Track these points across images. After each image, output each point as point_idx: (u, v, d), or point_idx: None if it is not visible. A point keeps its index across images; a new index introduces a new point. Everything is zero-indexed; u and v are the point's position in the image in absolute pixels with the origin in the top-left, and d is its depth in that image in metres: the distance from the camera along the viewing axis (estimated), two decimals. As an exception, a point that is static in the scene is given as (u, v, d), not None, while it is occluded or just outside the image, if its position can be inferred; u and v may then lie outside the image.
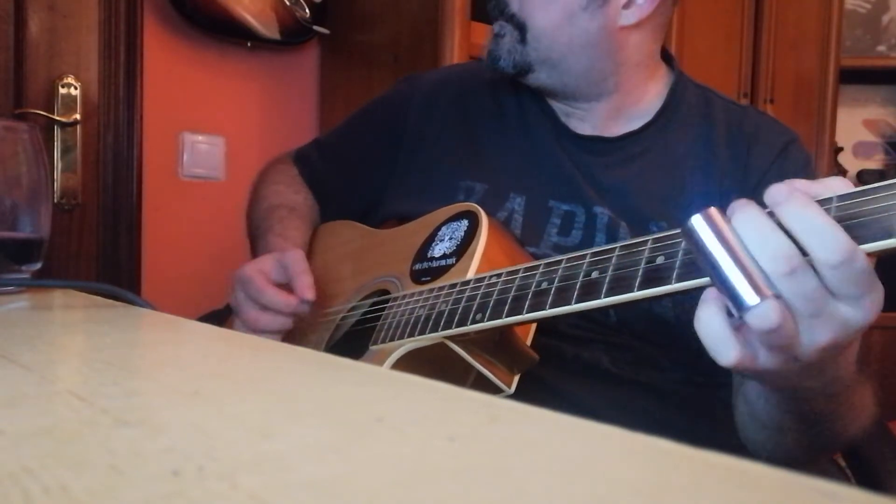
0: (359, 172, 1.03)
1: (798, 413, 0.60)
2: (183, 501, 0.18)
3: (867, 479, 0.86)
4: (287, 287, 0.81)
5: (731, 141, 0.85)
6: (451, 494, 0.19)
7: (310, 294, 0.79)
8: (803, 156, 0.86)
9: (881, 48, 2.30)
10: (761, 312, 0.44)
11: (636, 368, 0.79)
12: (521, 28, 0.83)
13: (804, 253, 0.44)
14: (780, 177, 0.77)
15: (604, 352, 0.78)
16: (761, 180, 0.81)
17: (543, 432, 0.24)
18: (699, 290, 0.77)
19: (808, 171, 0.84)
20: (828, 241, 0.43)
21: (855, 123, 2.37)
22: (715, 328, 0.46)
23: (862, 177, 2.29)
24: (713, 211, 0.46)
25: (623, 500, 0.18)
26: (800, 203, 0.45)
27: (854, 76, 2.21)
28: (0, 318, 0.55)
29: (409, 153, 0.96)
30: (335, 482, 0.19)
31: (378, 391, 0.31)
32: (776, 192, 0.46)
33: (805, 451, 0.67)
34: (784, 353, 0.47)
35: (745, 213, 0.46)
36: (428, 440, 0.23)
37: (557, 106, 0.90)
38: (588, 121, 0.89)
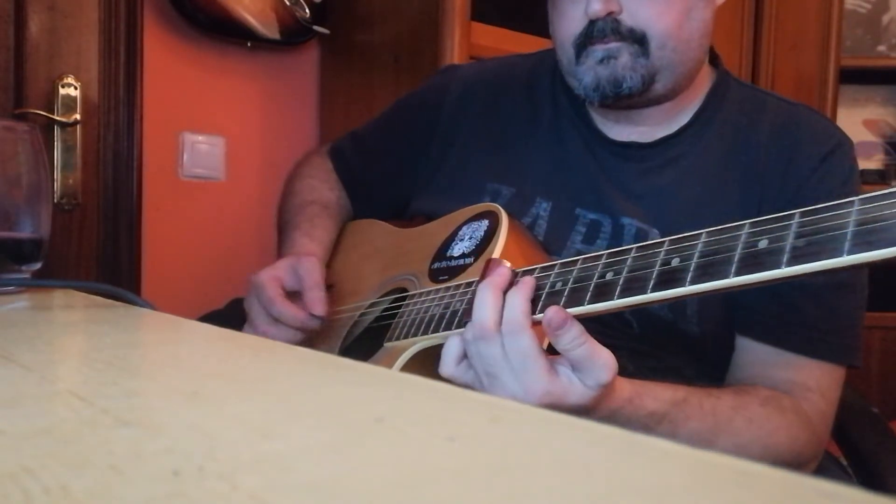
0: (390, 167, 1.01)
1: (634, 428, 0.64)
2: (183, 501, 0.18)
3: (867, 479, 0.86)
4: (300, 295, 0.81)
5: (774, 145, 0.81)
6: (451, 494, 0.19)
7: (320, 309, 0.79)
8: (846, 165, 0.81)
9: (881, 48, 2.30)
10: (448, 344, 0.63)
11: (660, 377, 0.78)
12: (640, 41, 0.77)
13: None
14: (819, 187, 0.77)
15: (628, 359, 0.78)
16: (800, 189, 0.77)
17: (543, 432, 0.24)
18: (723, 306, 0.77)
19: (849, 183, 0.80)
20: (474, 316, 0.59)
21: (855, 123, 2.37)
22: (450, 346, 0.63)
23: (862, 176, 2.28)
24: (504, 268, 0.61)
25: (623, 500, 0.18)
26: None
27: (854, 76, 2.21)
28: (0, 318, 0.55)
29: (440, 149, 0.95)
30: (335, 482, 0.19)
31: (378, 391, 0.31)
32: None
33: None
34: (478, 386, 0.61)
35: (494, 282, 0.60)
36: (428, 440, 0.23)
37: (600, 111, 0.86)
38: (638, 125, 0.85)
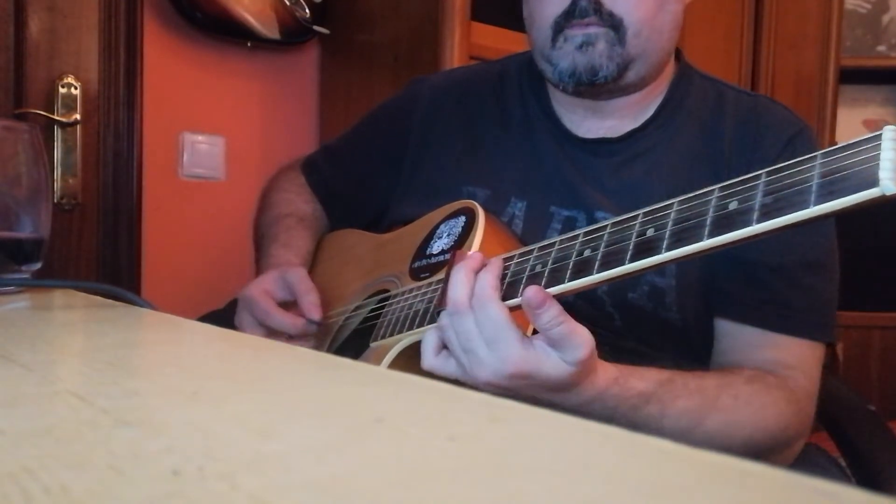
0: (365, 178, 1.02)
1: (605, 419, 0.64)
2: (183, 501, 0.18)
3: (867, 479, 0.86)
4: (292, 305, 0.82)
5: (738, 134, 0.83)
6: (451, 494, 0.19)
7: (316, 314, 0.80)
8: (809, 149, 0.83)
9: (881, 48, 2.30)
10: (426, 337, 0.65)
11: None
12: (616, 27, 0.78)
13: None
14: None
15: (610, 354, 0.78)
16: None
17: (543, 432, 0.24)
18: (700, 292, 0.78)
19: None
20: (448, 295, 0.61)
21: (855, 123, 2.37)
22: (428, 338, 0.65)
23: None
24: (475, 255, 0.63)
25: (623, 500, 0.18)
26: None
27: (854, 76, 2.21)
28: (0, 317, 0.55)
29: (413, 158, 0.96)
30: (335, 482, 0.19)
31: (378, 391, 0.31)
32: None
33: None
34: (459, 372, 0.62)
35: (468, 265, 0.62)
36: (428, 440, 0.23)
37: (566, 108, 0.88)
38: (606, 119, 0.86)
